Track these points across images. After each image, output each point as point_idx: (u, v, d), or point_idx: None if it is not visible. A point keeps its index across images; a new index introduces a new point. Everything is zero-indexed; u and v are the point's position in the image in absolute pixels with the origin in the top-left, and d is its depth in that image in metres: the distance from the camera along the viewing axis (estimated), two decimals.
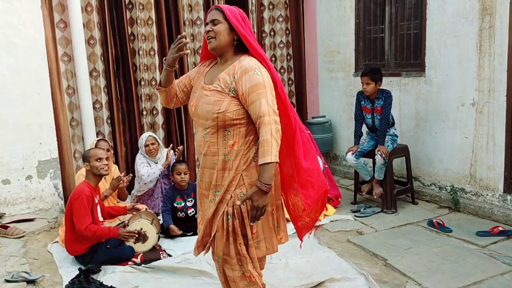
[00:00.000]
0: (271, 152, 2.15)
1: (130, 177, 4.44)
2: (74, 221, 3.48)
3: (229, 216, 2.33)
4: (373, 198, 4.85)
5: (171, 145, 5.00)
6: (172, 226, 4.11)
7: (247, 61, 2.29)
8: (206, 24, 2.36)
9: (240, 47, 2.37)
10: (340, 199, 4.87)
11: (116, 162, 5.24)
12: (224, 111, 2.26)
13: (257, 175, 2.32)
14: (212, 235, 2.40)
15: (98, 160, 3.61)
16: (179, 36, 2.34)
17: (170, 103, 2.61)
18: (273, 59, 6.26)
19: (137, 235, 3.59)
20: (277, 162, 2.18)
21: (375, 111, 4.64)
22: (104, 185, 4.29)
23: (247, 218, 2.32)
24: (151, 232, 3.75)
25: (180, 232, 4.10)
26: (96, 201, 3.71)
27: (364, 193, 4.87)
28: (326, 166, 4.86)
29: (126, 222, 3.87)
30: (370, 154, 4.75)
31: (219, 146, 2.32)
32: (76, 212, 3.47)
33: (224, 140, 2.32)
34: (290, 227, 4.24)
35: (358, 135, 4.83)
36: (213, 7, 2.38)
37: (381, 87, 4.58)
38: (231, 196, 2.33)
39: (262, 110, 2.20)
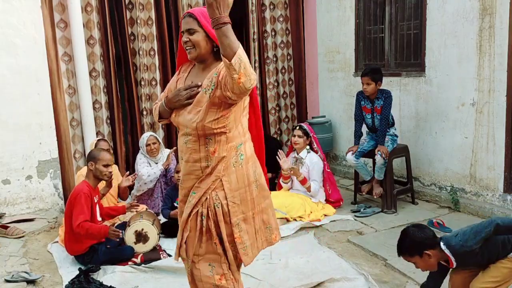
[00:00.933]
0: (237, 41, 1.96)
1: (135, 176, 4.46)
2: (72, 219, 3.48)
3: (203, 217, 2.31)
4: (373, 198, 4.85)
5: (174, 148, 4.97)
6: (174, 211, 4.14)
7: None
8: (183, 32, 2.26)
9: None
10: (341, 203, 4.86)
11: (116, 162, 5.24)
12: (202, 120, 2.20)
13: (237, 180, 2.30)
14: (185, 236, 2.37)
15: (105, 166, 3.62)
16: (193, 84, 2.24)
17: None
18: (275, 59, 6.26)
19: (120, 235, 3.58)
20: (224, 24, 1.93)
21: (375, 111, 4.64)
22: (103, 183, 4.29)
23: (222, 222, 2.30)
24: (152, 232, 3.75)
25: None
26: (95, 201, 3.71)
27: (364, 193, 4.87)
28: (328, 170, 4.84)
29: (128, 222, 3.87)
30: (370, 154, 4.74)
31: (201, 153, 2.28)
32: (74, 210, 3.49)
33: (206, 148, 2.27)
34: (291, 227, 4.28)
35: (358, 135, 4.83)
36: (186, 13, 2.26)
37: (381, 87, 4.58)
38: (207, 198, 2.31)
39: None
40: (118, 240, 3.60)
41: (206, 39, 2.23)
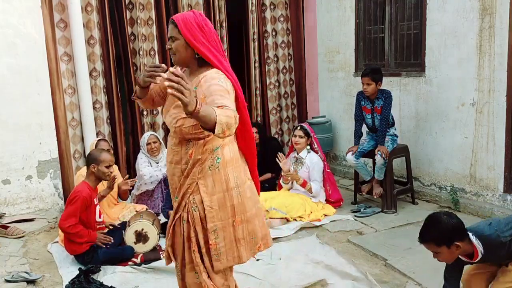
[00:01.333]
0: (212, 111, 1.91)
1: (134, 182, 4.46)
2: (62, 215, 3.54)
3: (183, 222, 2.33)
4: (373, 198, 4.85)
5: None
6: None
7: (212, 73, 2.22)
8: (168, 38, 2.29)
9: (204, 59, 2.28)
10: (342, 203, 4.87)
11: (117, 162, 5.24)
12: (180, 125, 2.22)
13: (214, 184, 2.30)
14: (171, 241, 2.40)
15: (108, 167, 3.63)
16: (158, 64, 2.25)
17: (149, 107, 2.60)
18: (275, 59, 6.26)
19: (111, 242, 3.61)
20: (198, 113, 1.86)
21: (375, 111, 4.64)
22: (102, 184, 4.28)
23: (199, 226, 2.31)
24: (152, 232, 3.75)
25: None
26: (96, 202, 3.71)
27: (364, 193, 4.87)
28: (328, 170, 4.85)
29: (128, 222, 3.87)
30: (370, 154, 4.74)
31: (182, 155, 2.31)
32: (67, 209, 3.52)
33: (186, 150, 2.30)
34: (291, 227, 4.28)
35: (358, 135, 4.83)
36: (170, 19, 2.27)
37: (381, 87, 4.58)
38: (186, 203, 2.32)
39: (223, 102, 2.04)
40: (111, 242, 3.64)
41: (185, 47, 2.23)
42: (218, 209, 2.31)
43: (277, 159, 4.66)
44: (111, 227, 3.88)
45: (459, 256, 2.44)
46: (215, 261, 2.32)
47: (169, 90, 1.81)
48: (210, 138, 2.26)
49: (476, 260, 2.42)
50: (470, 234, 2.37)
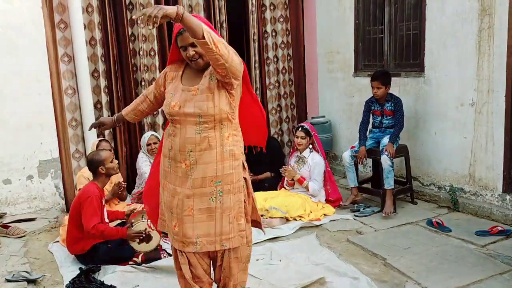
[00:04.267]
0: (198, 21, 2.16)
1: (125, 185, 4.47)
2: (83, 220, 3.47)
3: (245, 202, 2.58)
4: (373, 198, 4.87)
5: None
6: None
7: None
8: (183, 47, 2.44)
9: None
10: (341, 202, 4.88)
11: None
12: (219, 104, 2.41)
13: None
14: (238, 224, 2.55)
15: (112, 161, 3.65)
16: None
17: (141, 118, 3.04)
18: (275, 59, 6.26)
19: (144, 236, 3.60)
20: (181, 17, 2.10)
21: (384, 113, 4.73)
22: (106, 189, 4.29)
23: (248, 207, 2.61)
24: (155, 232, 3.76)
25: None
26: (104, 203, 3.72)
27: (347, 203, 4.80)
28: (329, 169, 4.87)
29: (129, 221, 3.87)
30: (369, 154, 4.77)
31: (217, 139, 2.44)
32: (86, 211, 3.46)
33: (221, 133, 2.45)
34: (291, 226, 4.29)
35: (363, 137, 4.82)
36: (180, 28, 2.40)
37: (389, 91, 4.68)
38: (244, 182, 2.56)
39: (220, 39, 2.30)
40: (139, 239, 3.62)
41: None
42: None
43: (281, 173, 4.76)
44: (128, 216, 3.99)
45: None
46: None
47: (148, 27, 2.04)
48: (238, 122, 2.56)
49: None
50: None
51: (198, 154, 2.43)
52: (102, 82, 5.17)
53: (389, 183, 4.54)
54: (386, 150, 4.51)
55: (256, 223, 2.77)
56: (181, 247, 2.53)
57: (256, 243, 3.68)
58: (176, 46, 2.51)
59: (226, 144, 2.46)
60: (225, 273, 2.61)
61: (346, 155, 4.79)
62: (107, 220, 3.77)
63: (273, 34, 6.24)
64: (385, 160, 4.50)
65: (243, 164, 2.58)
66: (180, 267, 2.61)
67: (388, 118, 4.73)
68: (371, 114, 4.88)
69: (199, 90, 2.44)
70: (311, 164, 4.67)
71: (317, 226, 4.35)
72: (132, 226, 3.72)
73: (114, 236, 3.53)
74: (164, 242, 3.96)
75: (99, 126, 2.98)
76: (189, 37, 2.30)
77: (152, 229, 3.70)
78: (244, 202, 2.57)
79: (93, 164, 3.63)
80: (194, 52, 2.42)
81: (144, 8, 5.28)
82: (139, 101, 2.85)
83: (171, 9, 2.04)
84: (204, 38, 2.14)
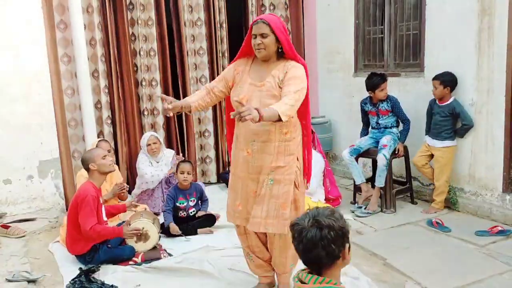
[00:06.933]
0: (285, 110, 2.50)
1: (128, 187, 4.44)
2: (80, 222, 3.47)
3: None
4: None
5: (179, 156, 5.00)
6: (172, 225, 4.12)
7: (294, 63, 2.75)
8: (254, 35, 2.70)
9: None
10: (340, 200, 4.89)
11: (117, 163, 5.26)
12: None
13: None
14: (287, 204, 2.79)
15: (104, 158, 3.63)
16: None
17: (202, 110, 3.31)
18: None
19: (141, 232, 3.61)
20: (279, 120, 2.49)
21: (380, 113, 4.74)
22: (104, 186, 4.30)
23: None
24: (153, 231, 3.76)
25: (179, 232, 4.11)
26: (101, 201, 3.72)
27: (361, 202, 4.78)
28: (329, 168, 4.87)
29: (128, 221, 3.88)
30: (369, 153, 4.77)
31: (276, 133, 2.75)
32: (82, 213, 3.46)
33: (280, 129, 2.75)
34: None
35: (364, 135, 4.93)
36: (258, 19, 2.71)
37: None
38: (295, 170, 2.82)
39: (301, 85, 2.67)
40: (137, 236, 3.68)
41: (274, 42, 2.70)
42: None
43: None
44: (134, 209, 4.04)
45: None
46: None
47: (240, 123, 2.52)
48: (297, 119, 2.88)
49: None
50: None
51: (259, 144, 2.76)
52: (102, 82, 5.17)
53: (380, 182, 4.59)
54: (397, 149, 4.61)
55: None
56: (245, 223, 2.93)
57: None
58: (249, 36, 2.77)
59: (284, 140, 2.76)
60: (273, 252, 2.98)
61: (345, 153, 4.78)
62: (105, 219, 3.76)
63: None
64: (381, 158, 4.52)
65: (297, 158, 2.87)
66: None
67: (384, 118, 4.73)
68: (368, 116, 4.90)
69: (265, 86, 2.73)
70: None
71: None
72: (130, 225, 3.72)
73: (111, 236, 3.54)
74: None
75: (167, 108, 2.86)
76: (263, 27, 2.64)
77: (149, 230, 3.72)
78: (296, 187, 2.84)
79: (84, 162, 3.65)
80: (260, 42, 2.67)
81: (143, 8, 5.30)
82: (202, 94, 2.98)
83: (255, 114, 2.33)
84: (281, 120, 2.48)
